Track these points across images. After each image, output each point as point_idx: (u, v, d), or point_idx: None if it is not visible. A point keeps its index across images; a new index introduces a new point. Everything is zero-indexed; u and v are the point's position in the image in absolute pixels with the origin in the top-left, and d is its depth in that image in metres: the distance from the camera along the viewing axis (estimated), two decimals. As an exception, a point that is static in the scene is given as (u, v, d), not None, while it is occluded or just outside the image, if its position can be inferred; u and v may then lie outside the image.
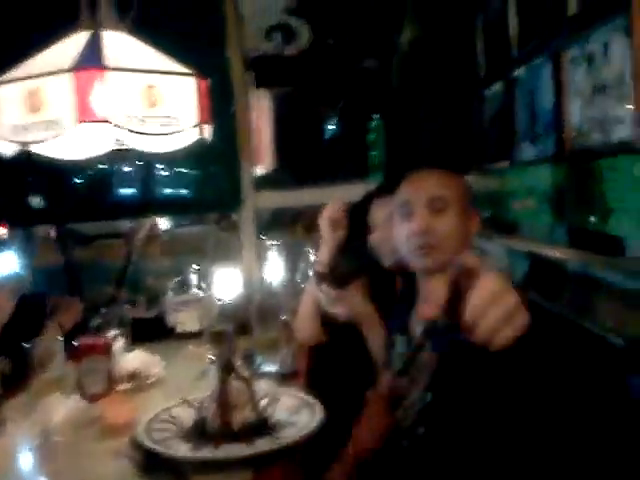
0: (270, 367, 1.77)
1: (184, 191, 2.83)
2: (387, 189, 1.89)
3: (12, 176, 2.82)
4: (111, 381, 1.52)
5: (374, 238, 1.82)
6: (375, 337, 1.76)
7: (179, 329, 2.24)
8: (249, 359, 1.82)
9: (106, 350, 1.53)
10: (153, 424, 1.29)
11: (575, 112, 1.45)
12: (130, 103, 1.42)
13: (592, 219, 1.36)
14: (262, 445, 1.15)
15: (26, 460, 1.37)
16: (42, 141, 1.47)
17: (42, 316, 2.19)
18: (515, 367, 1.15)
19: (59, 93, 1.39)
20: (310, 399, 1.35)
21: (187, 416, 1.33)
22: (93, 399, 1.49)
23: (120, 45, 1.50)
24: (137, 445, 1.23)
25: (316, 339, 2.02)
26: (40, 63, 1.49)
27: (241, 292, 2.43)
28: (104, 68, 1.39)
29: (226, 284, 2.44)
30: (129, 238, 3.82)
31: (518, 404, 1.18)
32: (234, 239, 2.88)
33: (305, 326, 1.95)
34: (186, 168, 2.80)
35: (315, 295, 1.89)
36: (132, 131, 1.42)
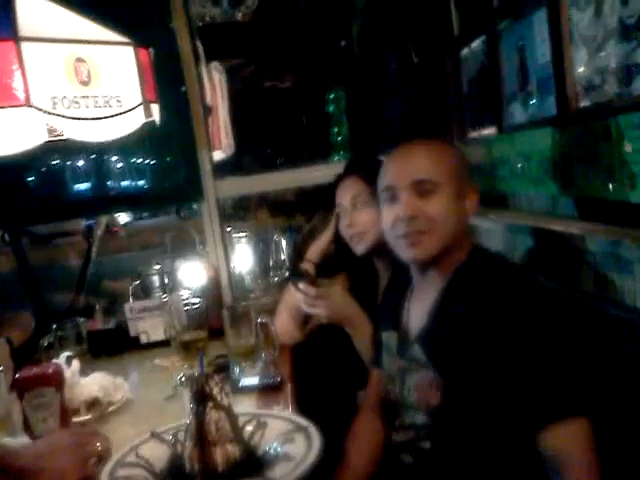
0: (250, 380, 1.55)
1: (141, 183, 2.56)
2: (351, 168, 1.69)
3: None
4: (65, 416, 1.29)
5: (343, 225, 1.64)
6: (362, 336, 1.58)
7: (143, 339, 2.00)
8: (224, 372, 1.60)
9: (55, 380, 1.29)
10: (117, 470, 1.07)
11: (581, 64, 1.26)
12: (55, 82, 1.17)
13: (610, 186, 1.18)
14: (253, 491, 0.95)
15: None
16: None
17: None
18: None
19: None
20: (303, 421, 1.15)
21: (159, 455, 1.12)
22: (45, 440, 1.26)
23: (37, 11, 1.23)
24: (100, 500, 1.01)
25: (298, 339, 1.83)
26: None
27: (209, 291, 2.20)
28: (17, 38, 1.13)
29: (192, 283, 2.22)
30: (87, 236, 3.54)
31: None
32: (197, 229, 2.65)
33: (286, 328, 1.76)
34: (141, 158, 2.53)
35: (294, 295, 1.70)
36: (64, 117, 1.18)
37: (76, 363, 1.53)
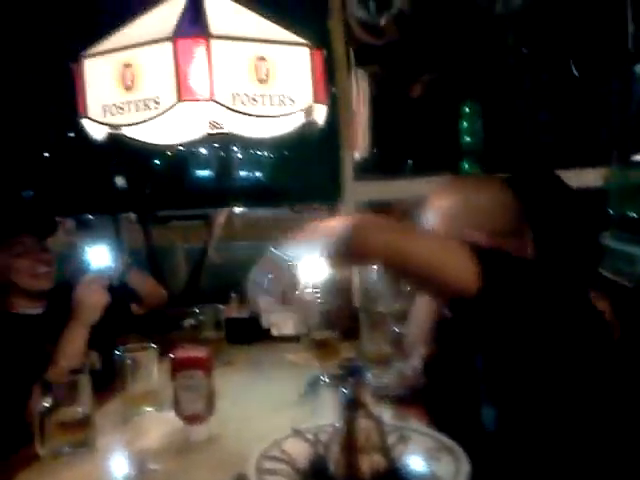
0: (384, 388, 1.53)
1: (280, 177, 2.63)
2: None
3: (96, 159, 2.71)
4: (212, 401, 1.34)
5: None
6: None
7: (274, 332, 2.05)
8: (354, 376, 1.59)
9: (206, 365, 1.35)
10: (264, 462, 1.09)
11: None
12: (238, 79, 1.21)
13: None
14: (403, 508, 0.93)
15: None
16: (137, 123, 1.30)
17: (128, 310, 2.07)
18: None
19: (157, 66, 1.20)
20: (447, 440, 1.11)
21: (300, 453, 1.13)
22: (191, 420, 1.32)
23: (224, 10, 1.29)
24: (246, 486, 1.04)
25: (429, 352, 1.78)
26: (134, 32, 1.31)
27: (340, 291, 2.21)
28: (208, 36, 1.19)
29: (320, 280, 2.24)
30: (209, 222, 3.66)
31: None
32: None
33: (418, 337, 1.71)
34: (283, 153, 2.60)
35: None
36: (241, 112, 1.22)
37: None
